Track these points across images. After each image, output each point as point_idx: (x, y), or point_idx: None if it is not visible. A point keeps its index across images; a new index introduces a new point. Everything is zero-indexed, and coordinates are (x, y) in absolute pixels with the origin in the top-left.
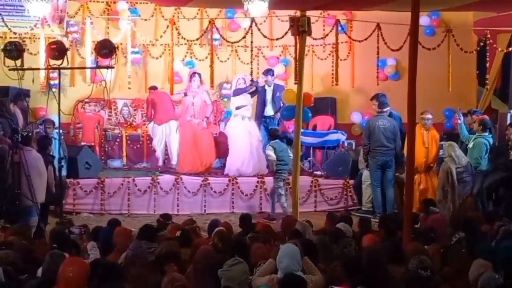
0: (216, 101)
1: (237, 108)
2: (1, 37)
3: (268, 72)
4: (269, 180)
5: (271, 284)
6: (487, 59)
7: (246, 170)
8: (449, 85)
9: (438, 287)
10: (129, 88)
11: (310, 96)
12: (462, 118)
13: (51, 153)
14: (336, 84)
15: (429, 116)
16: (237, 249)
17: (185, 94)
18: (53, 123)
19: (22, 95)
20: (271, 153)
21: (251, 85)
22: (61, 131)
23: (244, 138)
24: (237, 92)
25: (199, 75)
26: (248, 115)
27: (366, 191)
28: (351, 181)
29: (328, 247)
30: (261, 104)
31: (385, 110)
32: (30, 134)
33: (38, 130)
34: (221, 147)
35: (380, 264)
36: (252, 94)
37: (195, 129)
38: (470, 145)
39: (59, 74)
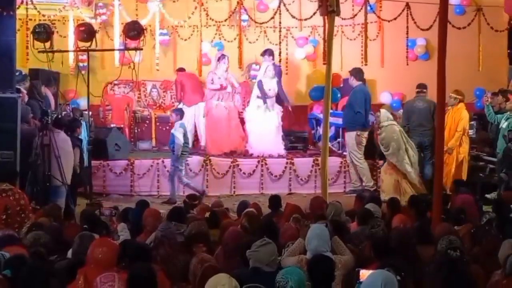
0: (245, 82)
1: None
2: (31, 19)
3: (266, 52)
4: (299, 161)
5: (300, 264)
6: None
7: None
8: (479, 64)
9: (468, 267)
10: (157, 70)
11: (339, 76)
12: (489, 100)
13: (79, 136)
14: (365, 65)
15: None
16: (266, 230)
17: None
18: (81, 113)
19: (52, 78)
20: (180, 136)
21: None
22: (90, 113)
23: (260, 121)
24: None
25: (228, 58)
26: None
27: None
28: (380, 162)
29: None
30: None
31: (424, 91)
32: (59, 116)
33: (66, 113)
34: None
35: (409, 245)
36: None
37: (223, 112)
38: (504, 125)
39: (88, 56)
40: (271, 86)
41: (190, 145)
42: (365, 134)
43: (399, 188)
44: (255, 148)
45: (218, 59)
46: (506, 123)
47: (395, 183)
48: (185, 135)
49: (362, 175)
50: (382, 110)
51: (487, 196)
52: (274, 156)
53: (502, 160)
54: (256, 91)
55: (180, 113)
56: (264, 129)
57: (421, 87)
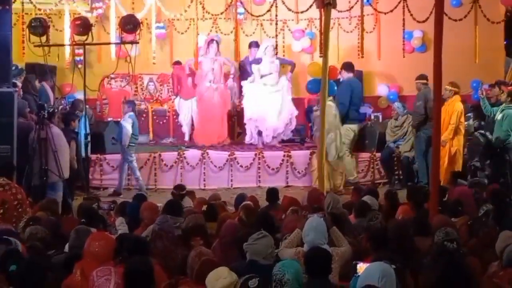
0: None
1: (262, 76)
2: (26, 13)
3: (251, 44)
4: (296, 154)
5: (297, 257)
6: None
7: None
8: (476, 56)
9: (465, 259)
10: (153, 64)
11: (336, 69)
12: (484, 93)
13: (75, 129)
14: (362, 57)
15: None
16: (263, 223)
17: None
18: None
19: (49, 72)
20: (128, 126)
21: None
22: (87, 106)
23: (263, 105)
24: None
25: (217, 42)
26: (272, 82)
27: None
28: (378, 154)
29: (348, 222)
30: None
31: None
32: (54, 110)
33: (62, 106)
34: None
35: (406, 236)
36: None
37: (212, 99)
38: (499, 117)
39: (84, 50)
40: (271, 70)
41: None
42: (353, 127)
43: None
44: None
45: (208, 45)
46: (501, 115)
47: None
48: (133, 126)
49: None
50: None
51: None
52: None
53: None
54: (259, 73)
55: (132, 105)
56: (268, 112)
57: (426, 78)
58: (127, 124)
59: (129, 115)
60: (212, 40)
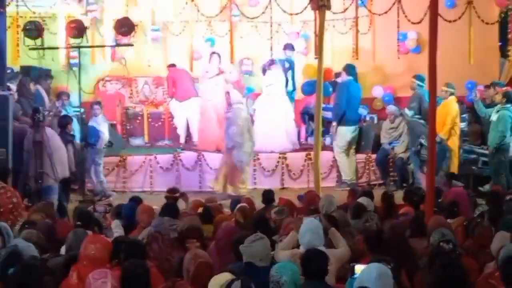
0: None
1: (267, 86)
2: (21, 16)
3: (286, 46)
4: (291, 156)
5: (294, 259)
6: (509, 30)
7: (269, 147)
8: (470, 57)
9: (460, 260)
10: (148, 66)
11: (330, 71)
12: (477, 95)
13: (70, 132)
14: (357, 59)
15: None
16: (259, 225)
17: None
18: (67, 95)
19: (44, 75)
20: (105, 129)
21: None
22: (82, 110)
23: (270, 115)
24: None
25: (219, 55)
26: (276, 92)
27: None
28: (373, 156)
29: (344, 222)
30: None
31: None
32: (47, 112)
33: (58, 109)
34: None
35: (402, 238)
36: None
37: (216, 108)
38: (494, 118)
39: (79, 53)
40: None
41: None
42: (350, 129)
43: None
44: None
45: (209, 58)
46: (496, 116)
47: None
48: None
49: (341, 169)
50: (235, 91)
51: (480, 188)
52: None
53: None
54: (264, 83)
55: (101, 106)
56: (274, 123)
57: (423, 80)
58: (104, 128)
59: (102, 117)
60: (213, 53)
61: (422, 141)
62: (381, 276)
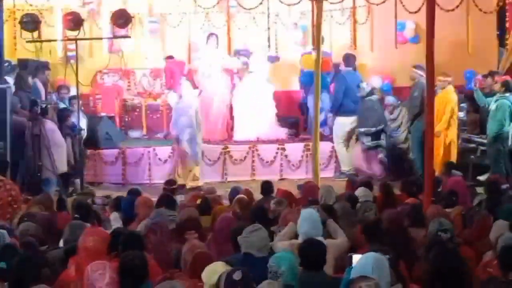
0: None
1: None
2: (18, 9)
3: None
4: (290, 147)
5: (292, 249)
6: (507, 19)
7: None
8: (469, 47)
9: (459, 249)
10: (146, 58)
11: (328, 61)
12: (476, 85)
13: (70, 125)
14: (355, 49)
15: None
16: (257, 216)
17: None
18: (67, 88)
19: (41, 67)
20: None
21: None
22: (80, 102)
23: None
24: None
25: (217, 36)
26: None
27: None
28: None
29: (348, 213)
30: None
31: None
32: (47, 106)
33: (56, 101)
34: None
35: (400, 227)
36: None
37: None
38: (493, 107)
39: (76, 45)
40: None
41: None
42: (350, 119)
43: None
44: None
45: (207, 39)
46: (495, 105)
47: None
48: None
49: (340, 160)
50: (186, 82)
51: (479, 178)
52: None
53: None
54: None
55: (79, 101)
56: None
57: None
58: (83, 124)
59: (82, 113)
60: (211, 34)
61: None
62: (377, 266)
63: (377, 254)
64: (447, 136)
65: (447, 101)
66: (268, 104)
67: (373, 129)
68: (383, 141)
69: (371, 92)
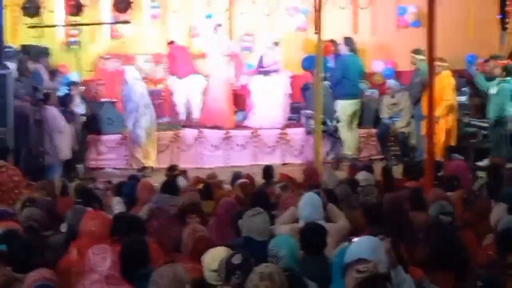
0: (236, 54)
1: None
2: None
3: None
4: (292, 132)
5: (293, 233)
6: (508, 2)
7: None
8: (470, 30)
9: (459, 232)
10: (148, 44)
11: (330, 45)
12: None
13: (72, 111)
14: (356, 33)
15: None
16: (259, 200)
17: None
18: (76, 84)
19: (43, 53)
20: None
21: None
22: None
23: (266, 92)
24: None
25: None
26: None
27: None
28: (374, 130)
29: (349, 196)
30: None
31: None
32: (49, 92)
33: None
34: (241, 100)
35: (401, 211)
36: None
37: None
38: (494, 91)
39: (78, 30)
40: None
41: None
42: (351, 102)
43: None
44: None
45: (214, 29)
46: (496, 89)
47: None
48: None
49: (342, 143)
50: (131, 67)
51: (479, 163)
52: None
53: None
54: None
55: (77, 86)
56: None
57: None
58: (81, 110)
59: (79, 99)
60: (218, 25)
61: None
62: (375, 249)
63: (372, 237)
64: (447, 121)
65: (444, 85)
66: (282, 93)
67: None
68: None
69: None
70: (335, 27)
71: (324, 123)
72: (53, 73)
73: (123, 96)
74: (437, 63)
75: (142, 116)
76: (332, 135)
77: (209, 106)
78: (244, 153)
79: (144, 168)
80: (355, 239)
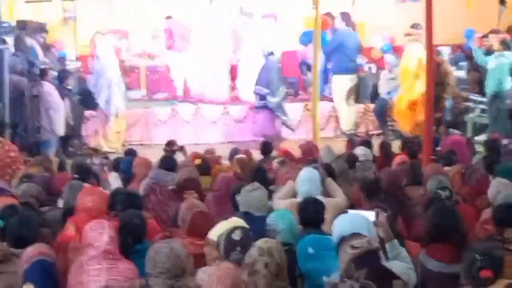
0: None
1: None
2: None
3: None
4: (289, 107)
5: (291, 208)
6: None
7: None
8: (469, 5)
9: (457, 206)
10: (146, 19)
11: (327, 20)
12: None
13: (68, 87)
14: (353, 6)
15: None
16: (257, 176)
17: None
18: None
19: (39, 29)
20: None
21: None
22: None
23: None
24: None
25: None
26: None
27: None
28: (372, 105)
29: (346, 172)
30: None
31: None
32: (46, 68)
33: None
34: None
35: (398, 186)
36: None
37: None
38: (492, 66)
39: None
40: None
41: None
42: (348, 77)
43: None
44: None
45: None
46: (494, 64)
47: None
48: None
49: (340, 119)
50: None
51: (476, 138)
52: None
53: None
54: None
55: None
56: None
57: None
58: None
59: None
60: None
61: None
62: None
63: (365, 212)
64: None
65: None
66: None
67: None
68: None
69: (271, 53)
70: (334, 2)
71: (263, 98)
72: (48, 48)
73: (94, 72)
74: (412, 30)
75: (114, 95)
76: (274, 114)
77: (207, 81)
78: (242, 128)
79: (95, 151)
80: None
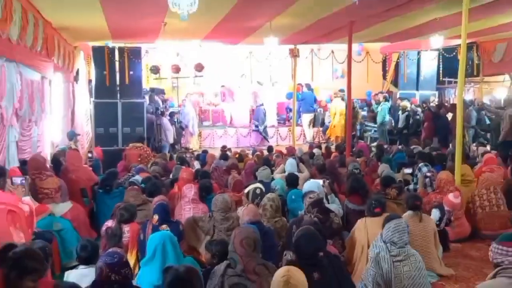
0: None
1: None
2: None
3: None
4: (281, 129)
5: (282, 178)
6: (387, 65)
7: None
8: (367, 80)
9: (363, 177)
10: (211, 85)
11: (300, 86)
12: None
13: (174, 120)
14: (312, 80)
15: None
16: (265, 162)
17: None
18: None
19: (161, 91)
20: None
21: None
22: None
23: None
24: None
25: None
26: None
27: (308, 131)
28: (321, 128)
29: (309, 160)
30: None
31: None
32: (163, 110)
33: (166, 109)
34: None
35: (334, 167)
36: None
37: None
38: (379, 109)
39: (176, 79)
40: None
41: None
42: (309, 115)
43: None
44: None
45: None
46: (380, 108)
47: None
48: None
49: (306, 135)
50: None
51: (372, 145)
52: None
53: None
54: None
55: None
56: None
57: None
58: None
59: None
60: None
61: None
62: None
63: (316, 180)
64: (340, 123)
65: (336, 107)
66: (273, 109)
67: (256, 122)
68: (259, 128)
69: (262, 104)
70: (302, 77)
71: (256, 126)
72: (164, 101)
73: (183, 112)
74: (337, 92)
75: (194, 123)
76: (260, 133)
77: (240, 117)
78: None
79: (187, 149)
80: (311, 180)
